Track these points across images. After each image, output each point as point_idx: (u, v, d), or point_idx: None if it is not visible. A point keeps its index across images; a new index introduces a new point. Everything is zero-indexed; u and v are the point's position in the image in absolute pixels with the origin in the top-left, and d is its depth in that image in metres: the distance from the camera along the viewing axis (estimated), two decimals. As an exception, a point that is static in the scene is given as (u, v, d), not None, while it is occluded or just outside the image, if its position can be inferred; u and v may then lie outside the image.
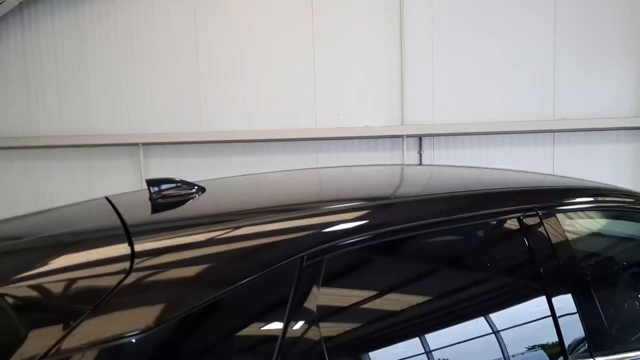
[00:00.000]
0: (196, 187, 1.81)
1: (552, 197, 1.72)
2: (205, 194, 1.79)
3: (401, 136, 4.90)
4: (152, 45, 4.91)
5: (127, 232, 1.39)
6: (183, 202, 1.70)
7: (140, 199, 1.80)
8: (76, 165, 5.03)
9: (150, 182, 1.77)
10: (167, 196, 1.74)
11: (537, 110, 4.94)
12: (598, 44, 4.91)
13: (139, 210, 1.68)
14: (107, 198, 1.85)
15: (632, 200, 1.86)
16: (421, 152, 5.02)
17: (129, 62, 4.92)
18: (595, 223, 1.93)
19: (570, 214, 1.76)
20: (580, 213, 1.82)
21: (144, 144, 4.91)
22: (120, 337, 1.15)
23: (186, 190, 1.78)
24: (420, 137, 4.99)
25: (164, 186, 1.77)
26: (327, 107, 4.95)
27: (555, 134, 4.94)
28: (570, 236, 1.67)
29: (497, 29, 4.91)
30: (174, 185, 1.79)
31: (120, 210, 1.60)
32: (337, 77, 4.94)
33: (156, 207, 1.67)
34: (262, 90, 4.94)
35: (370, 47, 4.93)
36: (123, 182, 4.92)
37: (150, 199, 1.74)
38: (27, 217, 1.84)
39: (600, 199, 1.82)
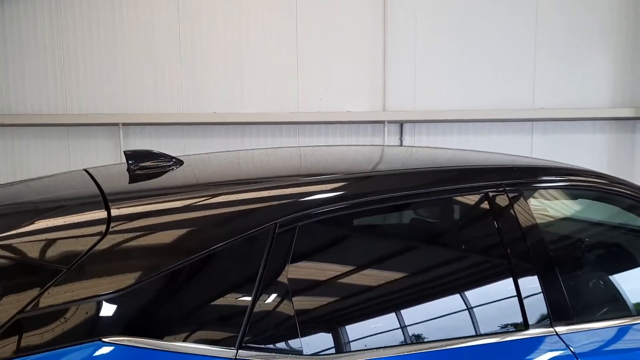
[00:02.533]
0: (174, 160, 1.84)
1: (520, 175, 1.78)
2: (182, 166, 1.81)
3: (383, 122, 4.95)
4: (134, 26, 4.87)
5: (104, 199, 1.41)
6: (161, 173, 1.73)
7: (119, 170, 1.82)
8: (55, 145, 4.99)
9: (129, 154, 1.79)
10: (145, 167, 1.77)
11: (517, 100, 5.02)
12: (578, 35, 5.00)
13: (117, 180, 1.71)
14: (85, 170, 1.87)
15: (602, 181, 1.92)
16: (402, 138, 5.08)
17: (110, 42, 4.88)
18: (560, 201, 2.00)
19: (536, 191, 1.82)
20: (547, 191, 1.89)
21: (124, 124, 4.89)
22: (94, 296, 1.19)
23: (164, 162, 1.81)
24: (401, 124, 5.05)
25: (142, 158, 1.80)
26: (310, 92, 4.97)
27: (534, 123, 5.03)
28: (535, 213, 1.73)
29: (479, 19, 4.96)
30: (152, 157, 1.82)
31: (98, 180, 1.63)
32: (320, 62, 4.96)
33: (134, 177, 1.69)
34: (246, 74, 4.95)
35: (354, 33, 4.95)
36: (102, 162, 4.88)
37: (129, 169, 1.76)
38: (7, 185, 1.85)
39: (567, 178, 1.88)
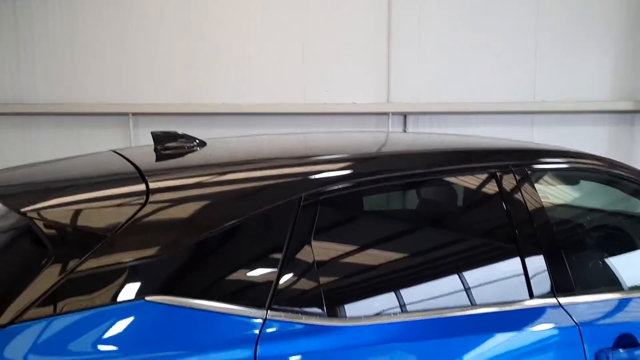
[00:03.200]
0: (197, 141, 1.94)
1: (525, 156, 1.89)
2: (207, 146, 1.92)
3: (387, 113, 5.05)
4: (144, 17, 4.95)
5: (140, 173, 1.52)
6: (188, 152, 1.83)
7: (146, 150, 1.92)
8: (65, 134, 5.08)
9: (156, 134, 1.90)
10: (172, 147, 1.87)
11: (519, 93, 5.12)
12: (578, 30, 5.10)
13: (148, 157, 1.81)
14: (113, 150, 1.98)
15: (602, 163, 2.03)
16: (406, 130, 5.18)
17: (120, 33, 4.97)
18: (563, 182, 2.11)
19: (541, 171, 1.93)
20: (551, 171, 2.00)
21: (134, 114, 4.98)
22: (137, 259, 1.30)
23: (189, 143, 1.91)
24: (405, 115, 5.15)
25: (168, 139, 1.91)
26: (316, 84, 5.07)
27: (535, 115, 5.14)
28: (540, 192, 1.84)
29: (482, 13, 5.06)
30: (177, 138, 1.92)
31: (130, 158, 1.73)
32: (326, 55, 5.06)
33: (163, 155, 1.80)
34: (254, 66, 5.04)
35: (359, 26, 5.04)
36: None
37: (156, 149, 1.87)
38: (44, 163, 1.95)
39: (570, 159, 1.99)
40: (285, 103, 5.01)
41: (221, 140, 2.15)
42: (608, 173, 2.00)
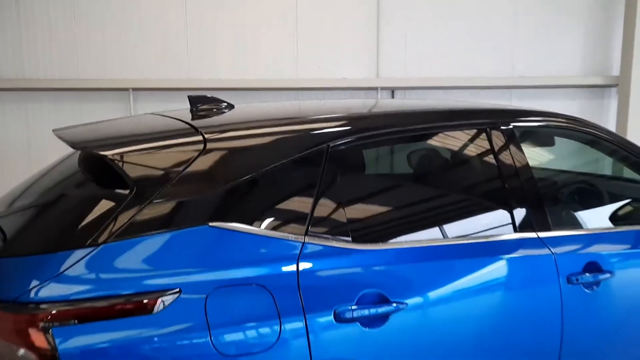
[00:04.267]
0: (227, 104, 2.23)
1: (511, 115, 2.22)
2: (236, 108, 2.20)
3: (376, 88, 5.34)
4: (141, -6, 5.13)
5: (193, 127, 1.80)
6: (223, 112, 2.11)
7: (185, 112, 2.19)
8: (68, 108, 5.25)
9: (193, 97, 2.18)
10: (207, 109, 2.16)
11: (498, 68, 5.46)
12: (554, 8, 5.43)
13: (191, 116, 2.08)
14: (152, 113, 2.25)
15: (576, 123, 2.37)
16: (394, 103, 5.48)
17: (120, 10, 5.13)
18: (543, 137, 2.46)
19: (524, 128, 2.26)
20: (532, 128, 2.34)
21: (134, 89, 5.18)
22: (200, 192, 1.59)
23: (220, 105, 2.20)
24: (392, 90, 5.45)
25: (202, 101, 2.19)
26: (309, 60, 5.32)
27: (514, 90, 5.49)
28: (523, 145, 2.18)
29: (465, -7, 5.37)
30: (210, 101, 2.21)
31: (177, 117, 2.01)
32: (318, 33, 5.31)
33: (203, 115, 2.08)
34: (249, 43, 5.26)
35: (351, 5, 5.29)
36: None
37: (192, 110, 2.15)
38: (100, 122, 2.22)
39: (548, 118, 2.32)
40: (280, 78, 5.26)
41: (247, 105, 2.43)
42: (581, 130, 2.35)
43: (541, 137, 2.47)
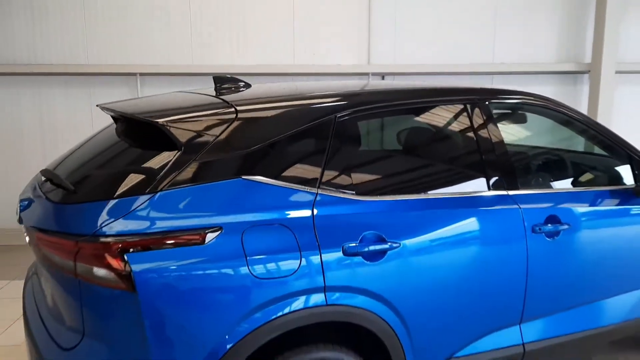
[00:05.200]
0: (245, 83, 2.61)
1: (487, 93, 2.63)
2: (254, 87, 2.58)
3: (367, 74, 5.73)
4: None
5: (224, 100, 2.19)
6: (243, 89, 2.50)
7: (209, 90, 2.56)
8: (78, 93, 5.58)
9: (217, 77, 2.56)
10: (228, 87, 2.53)
11: (480, 55, 5.88)
12: (532, 0, 5.86)
13: (217, 92, 2.46)
14: (180, 91, 2.62)
15: (546, 102, 2.78)
16: (383, 89, 5.88)
17: (127, 0, 5.46)
18: (516, 112, 2.88)
19: (499, 103, 2.67)
20: (506, 103, 2.75)
21: (141, 74, 5.52)
22: (234, 151, 1.97)
23: (239, 84, 2.58)
24: (383, 76, 5.84)
25: (224, 81, 2.57)
26: (305, 47, 5.70)
27: (494, 75, 5.91)
28: (499, 120, 2.59)
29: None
30: (230, 81, 2.59)
31: (206, 93, 2.38)
32: (314, 21, 5.67)
33: (227, 92, 2.45)
34: (248, 31, 5.62)
35: (343, -5, 5.69)
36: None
37: (216, 89, 2.53)
38: (146, 97, 2.59)
39: (521, 97, 2.73)
40: (278, 64, 5.63)
41: (261, 84, 2.80)
42: (550, 108, 2.77)
43: (514, 113, 2.89)
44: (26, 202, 2.24)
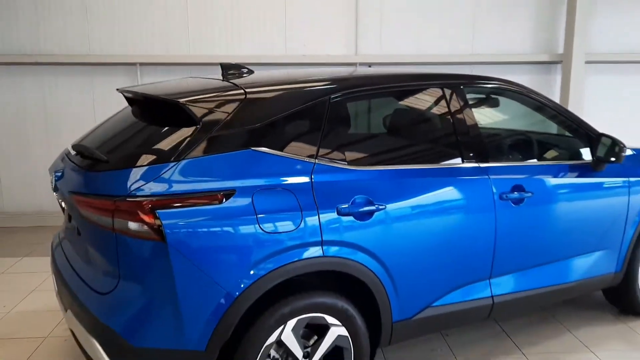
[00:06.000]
0: (248, 69, 2.95)
1: (462, 78, 3.00)
2: (256, 73, 2.92)
3: (355, 64, 6.08)
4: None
5: (234, 83, 2.53)
6: (247, 74, 2.84)
7: (217, 76, 2.90)
8: (80, 81, 5.86)
9: (224, 64, 2.89)
10: (234, 72, 2.87)
11: (461, 46, 6.25)
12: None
13: (224, 77, 2.80)
14: (191, 77, 2.95)
15: (516, 87, 3.17)
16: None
17: (126, -8, 5.74)
18: (488, 95, 3.26)
19: (472, 87, 3.05)
20: (479, 87, 3.13)
21: (141, 64, 5.81)
22: (245, 126, 2.31)
23: (243, 70, 2.92)
24: (369, 65, 6.19)
25: (230, 67, 2.91)
26: (296, 39, 6.02)
27: (474, 66, 6.29)
28: (472, 101, 2.97)
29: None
30: (235, 67, 2.92)
31: (215, 78, 2.72)
32: (305, 13, 6.00)
33: (234, 77, 2.79)
34: (243, 22, 5.93)
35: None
36: (122, 99, 5.81)
37: (223, 74, 2.87)
38: (160, 82, 2.92)
39: (493, 82, 3.11)
40: (270, 54, 5.95)
41: (262, 71, 3.15)
42: (518, 92, 3.15)
43: (486, 97, 3.27)
44: (60, 173, 2.56)
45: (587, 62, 6.20)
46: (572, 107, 6.10)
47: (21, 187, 6.03)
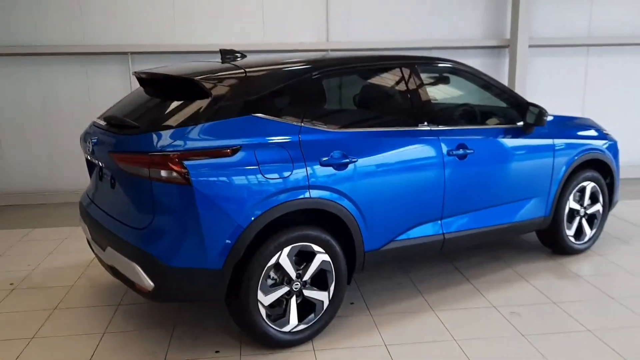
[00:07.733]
0: (242, 54, 3.60)
1: (419, 59, 3.72)
2: (248, 57, 3.58)
3: (326, 50, 6.75)
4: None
5: (235, 65, 3.19)
6: (242, 58, 3.49)
7: (217, 59, 3.54)
8: (76, 71, 6.37)
9: (223, 50, 3.54)
10: (230, 57, 3.52)
11: (420, 33, 6.98)
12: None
13: (226, 60, 3.44)
14: (193, 61, 3.59)
15: (465, 67, 3.91)
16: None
17: (116, -13, 6.26)
18: (441, 73, 4.00)
19: (427, 66, 3.77)
20: (432, 66, 3.85)
21: (132, 53, 6.35)
22: (247, 96, 2.97)
23: (238, 55, 3.57)
24: (340, 51, 6.87)
25: (228, 53, 3.56)
26: (273, 28, 6.65)
27: (433, 50, 7.03)
28: (427, 78, 3.70)
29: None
30: (231, 52, 3.57)
31: (219, 61, 3.37)
32: (281, 5, 6.62)
33: (232, 60, 3.44)
34: (225, 13, 6.51)
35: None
36: (117, 85, 6.38)
37: (223, 59, 3.51)
38: (171, 65, 3.54)
39: (447, 63, 3.84)
40: (250, 43, 6.57)
41: (253, 56, 3.79)
42: (465, 70, 3.89)
43: (438, 73, 4.00)
44: (96, 139, 3.17)
45: (531, 46, 7.01)
46: (517, 86, 6.92)
47: (23, 168, 6.53)
